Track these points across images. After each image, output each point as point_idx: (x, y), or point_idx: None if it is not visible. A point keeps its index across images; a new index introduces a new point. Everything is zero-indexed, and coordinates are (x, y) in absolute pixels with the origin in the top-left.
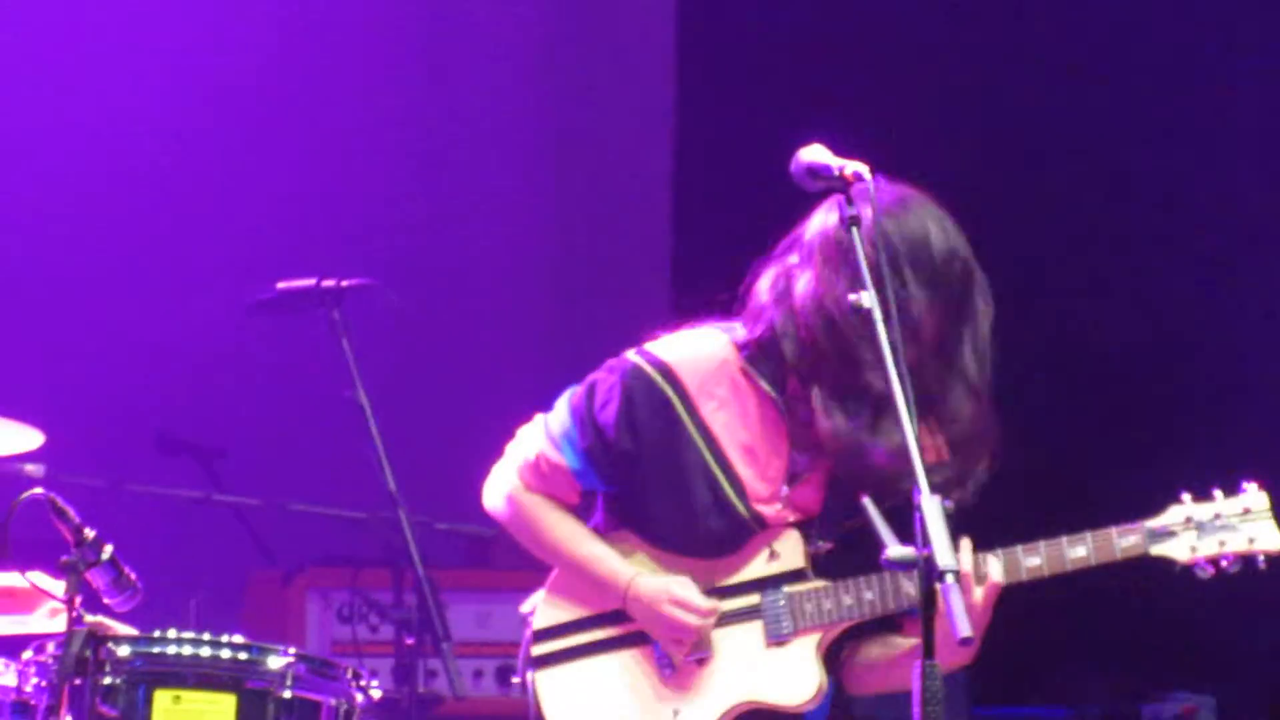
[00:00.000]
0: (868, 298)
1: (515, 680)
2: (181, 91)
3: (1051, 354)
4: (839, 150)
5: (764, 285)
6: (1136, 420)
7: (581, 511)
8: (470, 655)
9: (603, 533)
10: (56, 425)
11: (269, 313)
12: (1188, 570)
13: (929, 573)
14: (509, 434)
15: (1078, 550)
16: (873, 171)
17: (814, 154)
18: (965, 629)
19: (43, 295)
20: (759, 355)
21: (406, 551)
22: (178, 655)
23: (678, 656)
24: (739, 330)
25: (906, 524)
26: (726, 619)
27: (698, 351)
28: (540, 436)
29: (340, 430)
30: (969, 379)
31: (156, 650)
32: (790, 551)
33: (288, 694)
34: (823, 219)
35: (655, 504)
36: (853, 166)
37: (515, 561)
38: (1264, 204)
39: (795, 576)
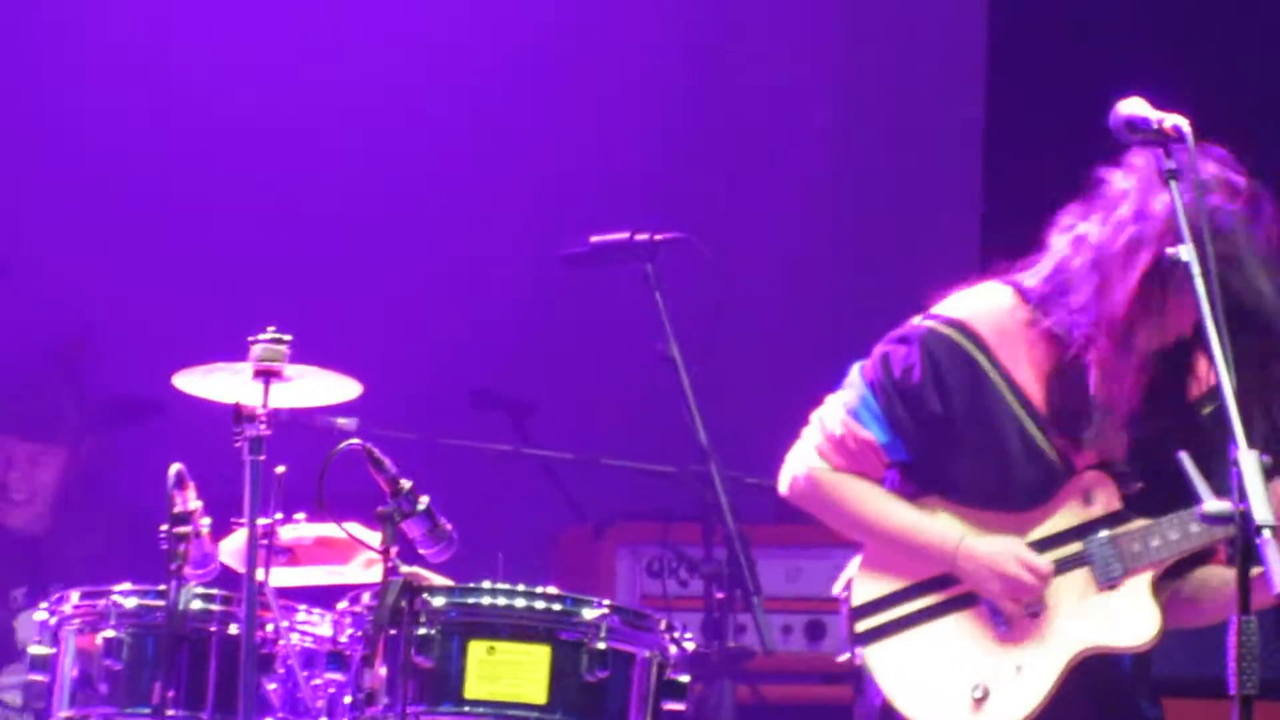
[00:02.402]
0: (1186, 251)
1: (841, 659)
2: (493, 53)
3: None
4: (1157, 105)
5: (1061, 236)
6: None
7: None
8: (779, 610)
9: (907, 500)
10: (370, 379)
11: (582, 267)
12: None
13: (1246, 527)
14: (819, 388)
15: None
16: (1193, 126)
17: (1133, 107)
18: (1279, 584)
19: (362, 252)
20: (1052, 302)
21: (717, 505)
22: (492, 606)
23: (1016, 613)
24: (1027, 280)
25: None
26: (1054, 570)
27: (987, 305)
28: (841, 414)
29: (651, 384)
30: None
31: (471, 601)
32: (1104, 494)
33: (601, 645)
34: (1125, 174)
35: (965, 462)
36: (1172, 120)
37: None
38: None
39: (1114, 519)
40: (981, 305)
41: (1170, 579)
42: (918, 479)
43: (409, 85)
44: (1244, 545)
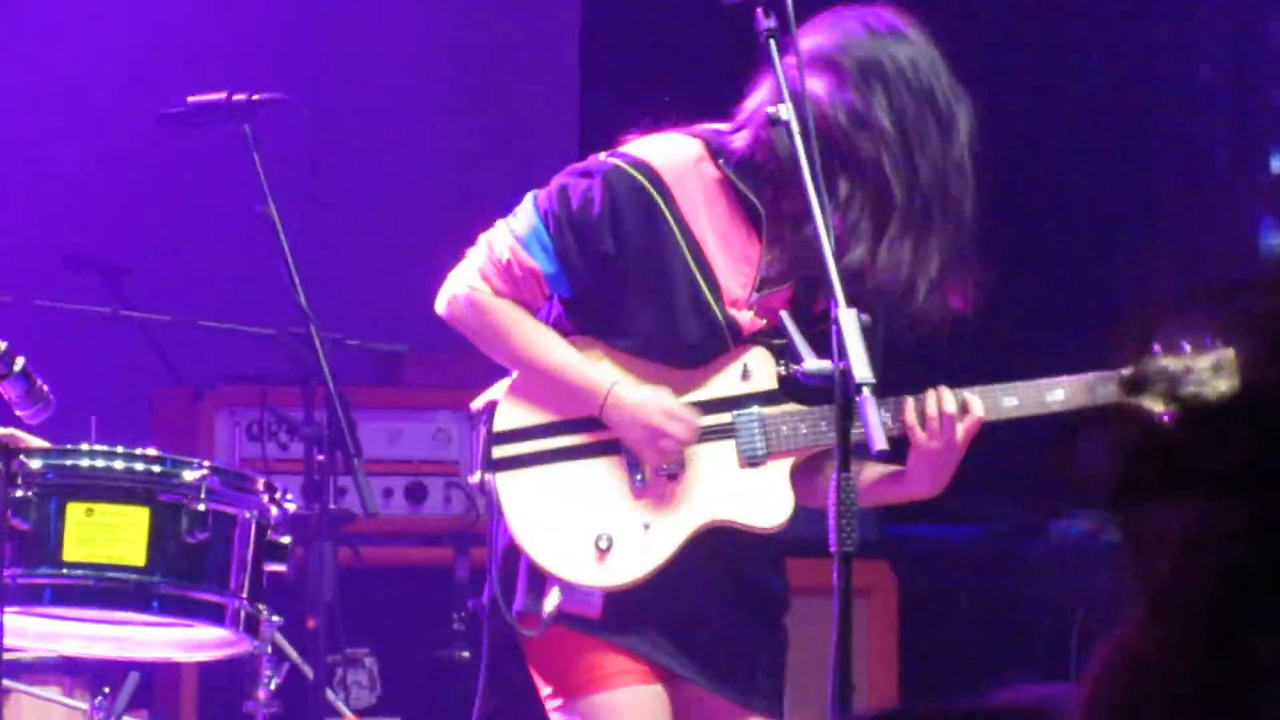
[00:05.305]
0: (785, 110)
1: (472, 479)
2: None
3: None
4: None
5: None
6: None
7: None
8: (380, 473)
9: (565, 337)
10: None
11: (178, 127)
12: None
13: (846, 385)
14: (422, 249)
15: (1055, 394)
16: None
17: None
18: (881, 442)
19: None
20: (745, 161)
21: (318, 368)
22: (91, 468)
23: (657, 467)
24: (721, 135)
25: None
26: (700, 435)
27: (675, 152)
28: (509, 239)
29: (250, 246)
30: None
31: (69, 463)
32: (763, 371)
33: (201, 506)
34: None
35: (632, 308)
36: None
37: (427, 378)
38: None
39: (768, 398)
40: (670, 152)
41: (812, 461)
42: (578, 316)
43: None
44: (843, 404)
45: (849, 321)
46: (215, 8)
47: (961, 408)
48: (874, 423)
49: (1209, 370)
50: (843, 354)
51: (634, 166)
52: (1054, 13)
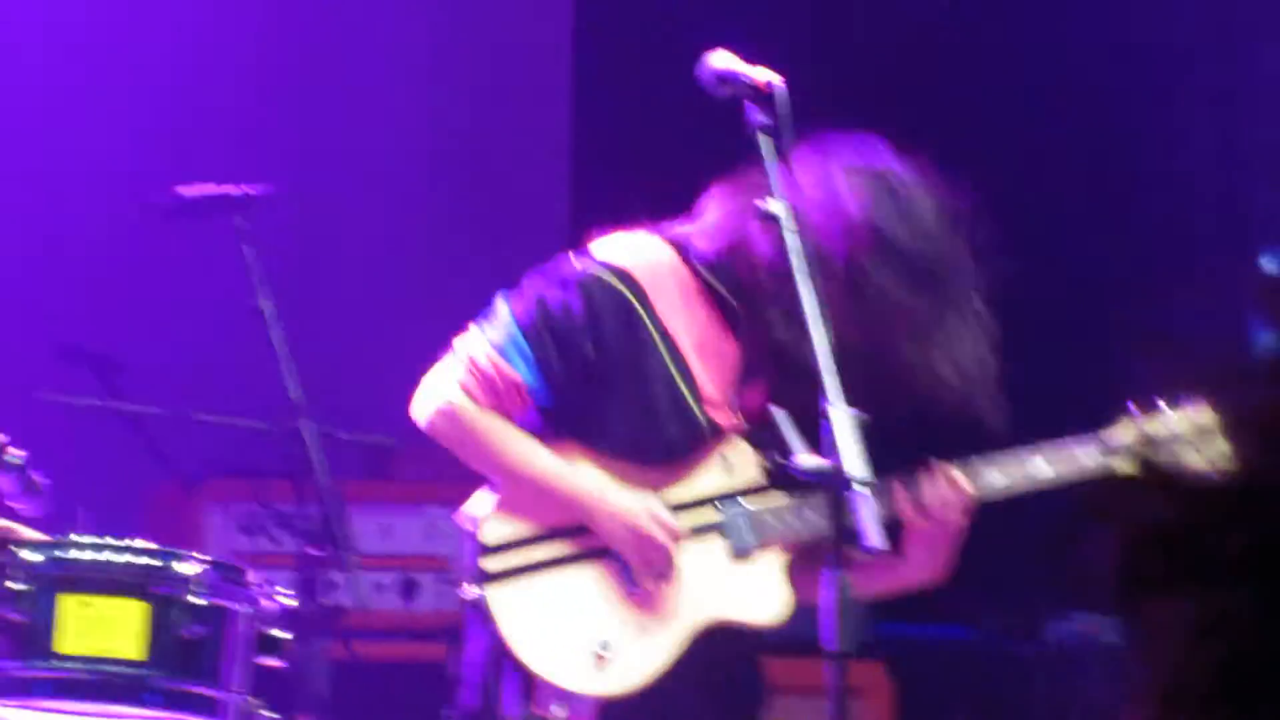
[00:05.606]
0: (774, 204)
1: (465, 597)
2: None
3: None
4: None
5: (722, 199)
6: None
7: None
8: (372, 568)
9: (545, 443)
10: None
11: (170, 218)
12: None
13: (838, 482)
14: (412, 343)
15: (1041, 467)
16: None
17: (723, 60)
18: (875, 539)
19: None
20: (715, 261)
21: (309, 462)
22: (87, 560)
23: (646, 576)
24: (689, 238)
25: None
26: (688, 534)
27: (649, 256)
28: (487, 350)
29: (242, 339)
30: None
31: (65, 555)
32: (744, 463)
33: (197, 600)
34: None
35: (612, 412)
36: (765, 76)
37: (418, 473)
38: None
39: (755, 491)
40: (642, 255)
41: (808, 556)
42: (558, 424)
43: None
44: (835, 501)
45: (840, 417)
46: (205, 99)
47: (951, 485)
48: (868, 520)
49: (1190, 432)
50: (834, 451)
51: (611, 273)
52: (1042, 99)
